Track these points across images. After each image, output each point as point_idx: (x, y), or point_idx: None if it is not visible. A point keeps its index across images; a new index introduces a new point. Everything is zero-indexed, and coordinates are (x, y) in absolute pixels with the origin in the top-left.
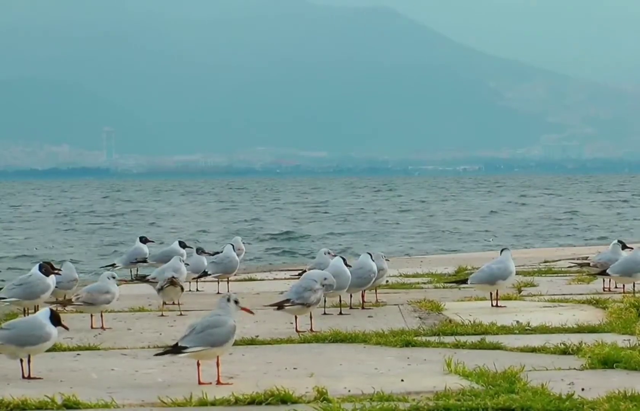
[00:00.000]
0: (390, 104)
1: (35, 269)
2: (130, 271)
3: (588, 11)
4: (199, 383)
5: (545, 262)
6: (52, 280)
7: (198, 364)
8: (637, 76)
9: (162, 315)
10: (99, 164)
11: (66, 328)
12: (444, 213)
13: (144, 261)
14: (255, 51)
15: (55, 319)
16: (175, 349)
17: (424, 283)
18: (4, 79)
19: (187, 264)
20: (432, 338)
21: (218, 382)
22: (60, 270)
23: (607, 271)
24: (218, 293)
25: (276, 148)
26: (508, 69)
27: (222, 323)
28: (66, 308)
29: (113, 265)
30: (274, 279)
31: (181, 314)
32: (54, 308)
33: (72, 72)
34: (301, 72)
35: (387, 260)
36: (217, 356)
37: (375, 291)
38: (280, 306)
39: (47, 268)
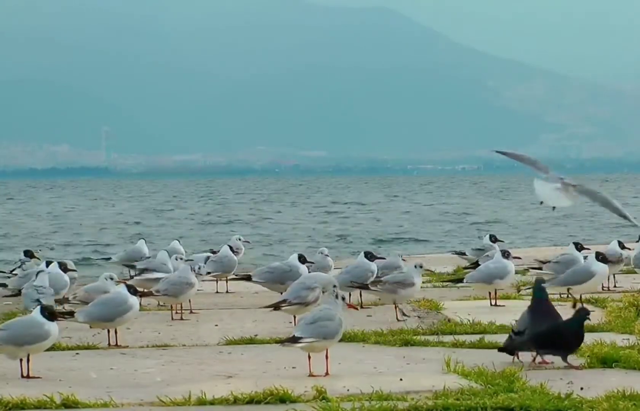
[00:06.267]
0: (390, 104)
1: (55, 267)
2: (129, 271)
3: (587, 11)
4: (310, 375)
5: None
6: (68, 277)
7: (309, 356)
8: (637, 76)
9: (160, 315)
10: (98, 164)
11: (65, 314)
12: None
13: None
14: (254, 51)
15: (49, 314)
16: (293, 339)
17: (423, 282)
18: (3, 79)
19: (192, 260)
20: (431, 338)
21: (326, 373)
22: (75, 269)
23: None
24: (217, 292)
25: (275, 148)
26: (507, 68)
27: (332, 317)
28: (64, 307)
29: (108, 259)
30: None
31: (177, 312)
32: (46, 305)
33: (71, 72)
34: (300, 71)
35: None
36: (326, 349)
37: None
38: (277, 307)
39: (65, 266)
